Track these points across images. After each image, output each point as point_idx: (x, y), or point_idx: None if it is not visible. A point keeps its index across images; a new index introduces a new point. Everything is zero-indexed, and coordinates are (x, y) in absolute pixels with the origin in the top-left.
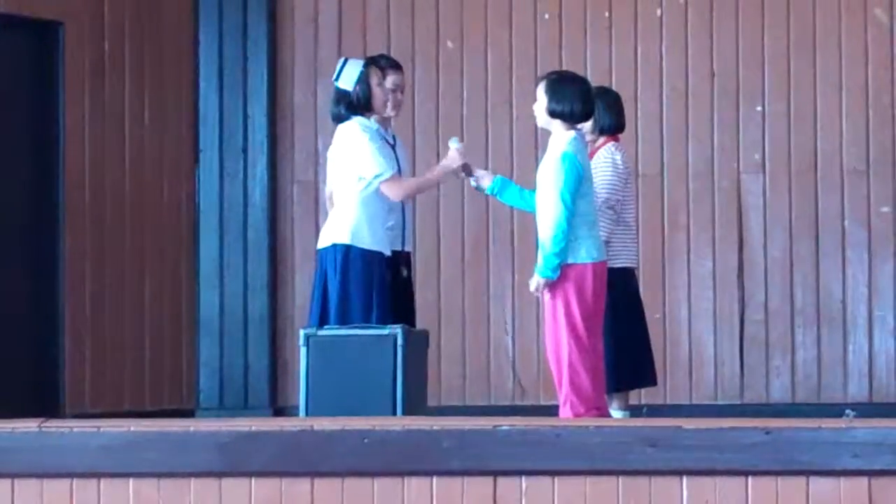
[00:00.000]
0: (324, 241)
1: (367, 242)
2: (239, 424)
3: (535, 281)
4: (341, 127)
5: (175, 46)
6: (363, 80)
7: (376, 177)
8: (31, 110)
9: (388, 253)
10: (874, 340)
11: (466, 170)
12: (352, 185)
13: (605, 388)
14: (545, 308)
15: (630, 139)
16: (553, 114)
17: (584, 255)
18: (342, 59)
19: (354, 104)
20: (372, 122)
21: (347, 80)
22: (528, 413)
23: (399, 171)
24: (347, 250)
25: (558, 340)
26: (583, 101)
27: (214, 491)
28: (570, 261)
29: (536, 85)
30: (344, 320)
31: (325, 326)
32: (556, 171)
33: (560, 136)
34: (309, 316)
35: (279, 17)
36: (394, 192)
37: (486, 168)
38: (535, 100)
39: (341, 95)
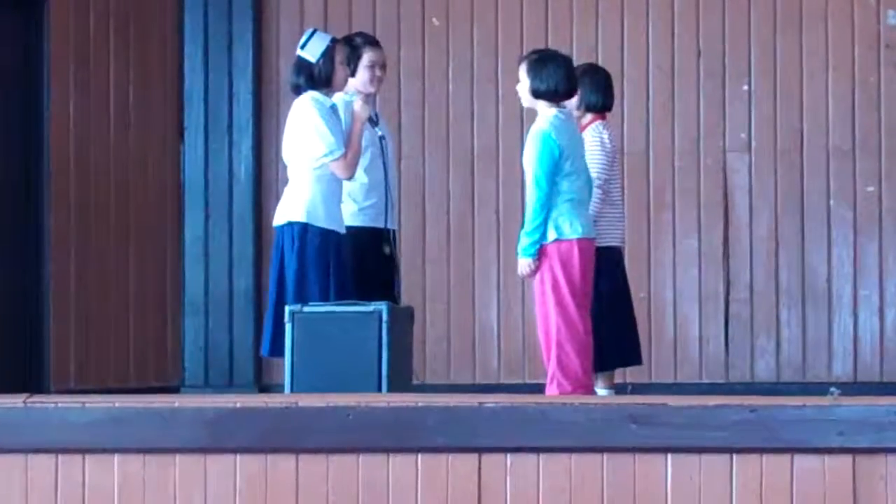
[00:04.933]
0: (279, 219)
1: (322, 221)
2: (224, 401)
3: (519, 264)
4: (297, 101)
5: (160, 24)
6: (328, 55)
7: (324, 156)
8: (16, 89)
9: (342, 231)
10: (859, 319)
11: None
12: (305, 162)
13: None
14: (535, 286)
15: (616, 118)
16: (537, 93)
17: (569, 231)
18: (310, 30)
19: (315, 78)
20: (327, 99)
21: (312, 51)
22: (514, 391)
23: (382, 147)
24: (304, 229)
25: (547, 318)
26: (566, 78)
27: (199, 467)
28: (554, 237)
29: (518, 66)
30: (300, 300)
31: (310, 303)
32: (531, 150)
33: (542, 116)
34: (269, 295)
35: None
36: (341, 172)
37: (473, 146)
38: (517, 80)
39: (303, 66)
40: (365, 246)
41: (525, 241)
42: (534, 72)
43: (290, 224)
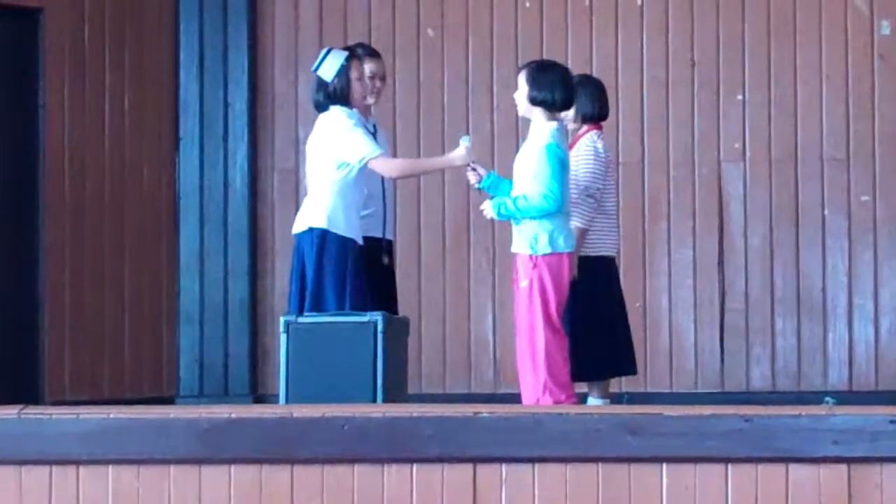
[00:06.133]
0: (300, 226)
1: (342, 229)
2: (219, 411)
3: (487, 207)
4: (324, 115)
5: (156, 34)
6: (343, 73)
7: (365, 157)
8: (11, 97)
9: (360, 241)
10: (854, 329)
11: (472, 167)
12: (331, 172)
13: (585, 377)
14: (519, 295)
15: (611, 128)
16: (534, 101)
17: (563, 244)
18: (325, 49)
19: (332, 95)
20: (353, 112)
21: (327, 71)
22: (509, 401)
23: None
24: (324, 234)
25: (533, 329)
26: (564, 88)
27: (194, 478)
28: (549, 250)
29: (517, 74)
30: (318, 305)
31: (305, 314)
32: (543, 162)
33: (542, 127)
34: (288, 301)
35: (260, 5)
36: (387, 169)
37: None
38: (515, 88)
39: (321, 84)
40: (363, 255)
41: (507, 209)
42: (533, 80)
43: (311, 230)
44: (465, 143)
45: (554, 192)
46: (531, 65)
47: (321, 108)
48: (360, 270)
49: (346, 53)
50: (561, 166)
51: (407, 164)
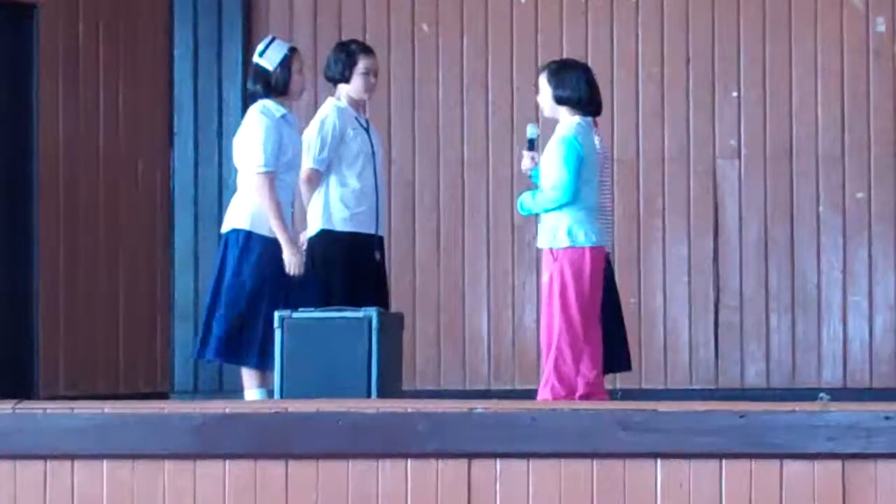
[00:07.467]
0: (225, 226)
1: (266, 229)
2: (213, 407)
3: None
4: (250, 109)
5: (150, 29)
6: (286, 64)
7: (256, 168)
8: (6, 93)
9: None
10: (848, 325)
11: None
12: (251, 171)
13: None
14: (543, 290)
15: (606, 124)
16: (560, 100)
17: (583, 239)
18: (269, 38)
19: (272, 86)
20: (279, 108)
21: (270, 59)
22: (504, 397)
23: (373, 153)
24: (248, 236)
25: (551, 322)
26: (588, 85)
27: (188, 473)
28: (567, 244)
29: (537, 76)
30: (233, 306)
31: (301, 310)
32: (557, 155)
33: (565, 120)
34: (206, 302)
35: (254, 0)
36: (258, 192)
37: (463, 151)
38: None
39: (259, 73)
40: (356, 251)
41: (526, 203)
42: (556, 80)
43: (235, 231)
44: (531, 131)
45: (564, 184)
46: (551, 65)
47: (255, 98)
48: (285, 272)
49: (289, 45)
50: (576, 158)
51: (272, 204)
